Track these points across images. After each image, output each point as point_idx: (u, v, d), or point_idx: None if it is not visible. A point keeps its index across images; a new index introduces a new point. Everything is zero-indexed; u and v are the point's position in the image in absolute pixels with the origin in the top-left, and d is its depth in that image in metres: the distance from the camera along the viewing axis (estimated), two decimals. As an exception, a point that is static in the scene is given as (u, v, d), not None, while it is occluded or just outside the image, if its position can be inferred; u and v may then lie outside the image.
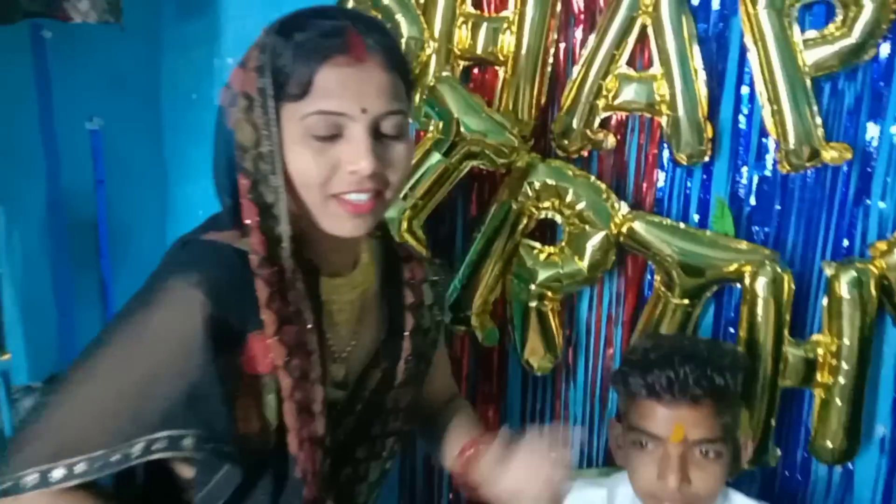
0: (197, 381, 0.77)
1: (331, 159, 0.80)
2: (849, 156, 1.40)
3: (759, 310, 1.40)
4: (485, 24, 1.43)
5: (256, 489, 0.84)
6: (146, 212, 1.51)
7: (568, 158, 1.47)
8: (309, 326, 0.83)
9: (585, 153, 1.48)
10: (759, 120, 1.43)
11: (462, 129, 1.40)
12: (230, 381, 0.79)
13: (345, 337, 0.93)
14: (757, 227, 1.48)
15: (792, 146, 1.39)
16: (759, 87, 1.40)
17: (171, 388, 0.76)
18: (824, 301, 1.45)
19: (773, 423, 1.45)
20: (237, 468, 0.80)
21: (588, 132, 1.45)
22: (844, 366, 1.42)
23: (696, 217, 1.49)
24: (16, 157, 1.31)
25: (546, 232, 1.52)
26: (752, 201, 1.47)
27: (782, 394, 1.45)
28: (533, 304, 1.48)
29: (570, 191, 1.43)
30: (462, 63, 1.47)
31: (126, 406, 0.76)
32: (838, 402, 1.44)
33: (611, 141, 1.46)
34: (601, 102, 1.44)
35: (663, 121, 1.43)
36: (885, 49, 1.38)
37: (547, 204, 1.45)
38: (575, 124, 1.44)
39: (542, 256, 1.47)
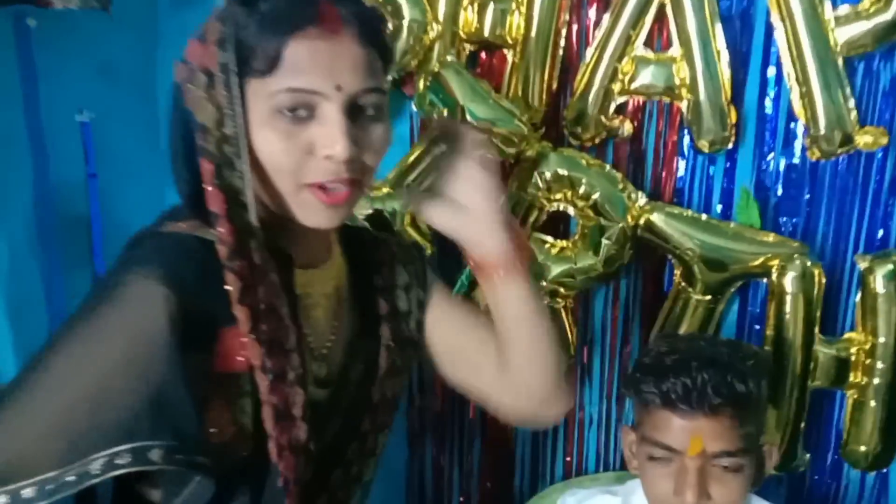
0: (162, 385, 0.72)
1: (302, 143, 0.76)
2: (884, 141, 1.37)
3: (788, 307, 1.39)
4: (492, 5, 1.41)
5: (233, 501, 0.80)
6: (141, 207, 1.48)
7: (581, 147, 1.46)
8: (286, 322, 0.79)
9: (600, 141, 1.46)
10: (786, 103, 1.41)
11: (468, 118, 1.37)
12: (200, 382, 0.75)
13: (323, 332, 0.89)
14: (785, 219, 1.47)
15: (822, 131, 1.37)
16: (787, 68, 1.38)
17: (132, 394, 0.71)
18: (857, 297, 1.44)
19: (802, 426, 1.44)
20: (209, 479, 0.76)
21: (603, 119, 1.43)
22: (879, 365, 1.40)
23: (718, 208, 1.48)
24: (0, 151, 1.29)
25: (558, 225, 1.51)
26: (780, 191, 1.46)
27: (812, 395, 1.44)
28: (545, 301, 1.45)
29: (584, 181, 1.41)
30: (468, 47, 1.45)
31: (80, 418, 0.71)
32: (872, 403, 1.43)
33: (627, 128, 1.45)
34: (616, 87, 1.42)
35: (683, 105, 1.42)
36: (924, 26, 1.34)
37: (559, 195, 1.43)
38: (589, 110, 1.43)
39: (555, 251, 1.46)
